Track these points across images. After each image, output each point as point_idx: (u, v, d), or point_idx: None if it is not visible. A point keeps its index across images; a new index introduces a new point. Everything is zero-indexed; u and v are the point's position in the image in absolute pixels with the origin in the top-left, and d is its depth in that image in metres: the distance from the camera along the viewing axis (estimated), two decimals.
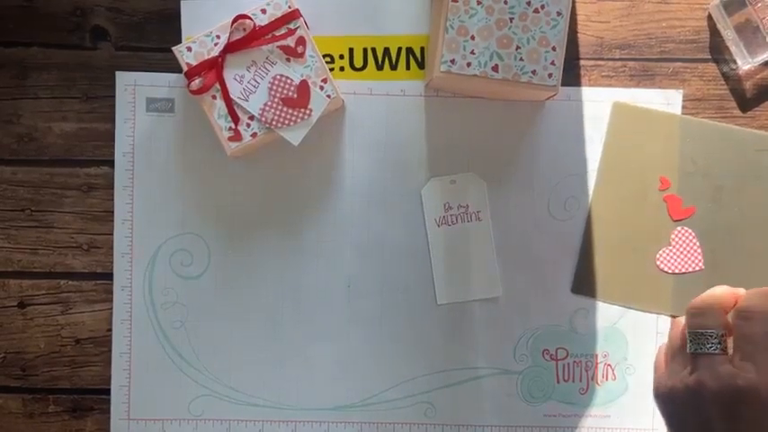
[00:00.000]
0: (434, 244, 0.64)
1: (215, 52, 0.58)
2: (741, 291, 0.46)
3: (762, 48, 0.61)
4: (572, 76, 0.64)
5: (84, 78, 0.63)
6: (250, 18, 0.58)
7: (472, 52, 0.56)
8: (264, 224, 0.64)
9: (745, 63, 0.62)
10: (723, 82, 0.64)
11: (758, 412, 0.42)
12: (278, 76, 0.59)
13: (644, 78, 0.64)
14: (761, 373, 0.42)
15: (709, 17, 0.63)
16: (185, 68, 0.58)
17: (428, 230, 0.64)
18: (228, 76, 0.58)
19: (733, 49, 0.63)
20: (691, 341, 0.46)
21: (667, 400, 0.46)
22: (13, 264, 0.64)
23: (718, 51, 0.64)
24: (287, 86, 0.59)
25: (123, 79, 0.63)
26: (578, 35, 0.64)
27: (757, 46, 0.61)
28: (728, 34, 0.62)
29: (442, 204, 0.64)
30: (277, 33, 0.59)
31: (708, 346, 0.45)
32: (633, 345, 0.64)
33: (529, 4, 0.56)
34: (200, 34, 0.59)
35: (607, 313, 0.64)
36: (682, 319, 0.48)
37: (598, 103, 0.64)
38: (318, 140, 0.63)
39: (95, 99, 0.63)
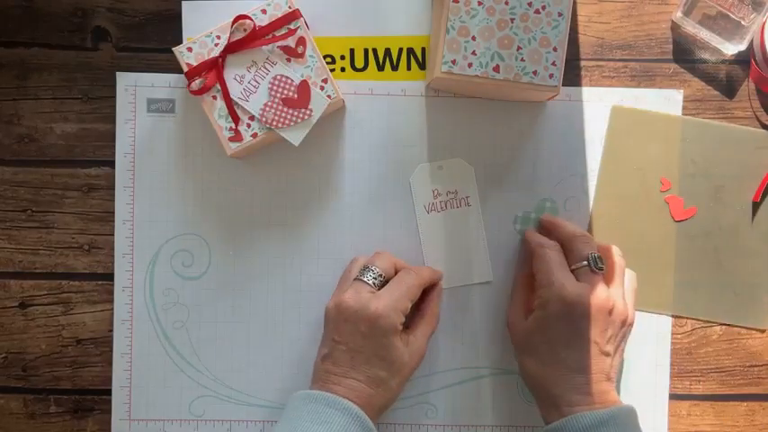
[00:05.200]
0: (425, 230, 0.63)
1: (215, 53, 0.58)
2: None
3: (740, 31, 0.61)
4: (573, 76, 0.64)
5: (85, 79, 0.63)
6: (250, 18, 0.58)
7: (473, 53, 0.56)
8: (265, 224, 0.64)
9: (733, 49, 0.62)
10: (724, 82, 0.64)
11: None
12: (278, 77, 0.59)
13: (644, 79, 0.64)
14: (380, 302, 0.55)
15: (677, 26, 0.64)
16: (186, 69, 0.58)
17: (418, 217, 0.64)
18: (229, 76, 0.58)
19: (714, 44, 0.63)
20: (360, 271, 0.58)
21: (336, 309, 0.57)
22: (14, 264, 0.64)
23: (703, 51, 0.64)
24: (287, 87, 0.59)
25: (124, 80, 0.63)
26: (579, 36, 0.64)
27: (733, 33, 0.61)
28: (704, 34, 0.62)
29: (431, 191, 0.63)
30: (277, 34, 0.59)
31: (367, 276, 0.57)
32: (633, 344, 0.63)
33: (530, 4, 0.56)
34: (201, 35, 0.59)
35: None
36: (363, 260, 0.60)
37: (599, 104, 0.64)
38: (319, 141, 0.63)
39: (96, 100, 0.63)
